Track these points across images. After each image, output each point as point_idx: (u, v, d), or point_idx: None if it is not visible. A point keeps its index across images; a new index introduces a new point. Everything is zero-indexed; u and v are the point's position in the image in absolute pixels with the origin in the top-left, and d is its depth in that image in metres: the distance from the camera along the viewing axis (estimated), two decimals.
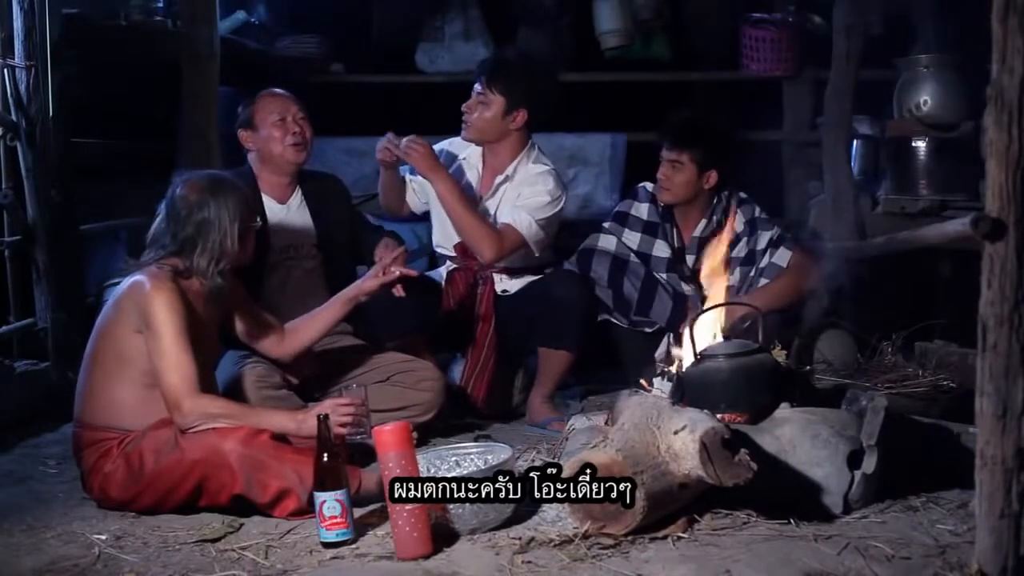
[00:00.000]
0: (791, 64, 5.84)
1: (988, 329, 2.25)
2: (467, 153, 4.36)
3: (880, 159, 5.19)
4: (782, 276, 4.26)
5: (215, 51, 4.59)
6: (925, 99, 4.78)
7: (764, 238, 4.31)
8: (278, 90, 4.04)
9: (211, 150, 4.49)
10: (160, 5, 4.90)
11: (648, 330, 4.30)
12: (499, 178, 4.27)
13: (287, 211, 4.04)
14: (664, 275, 4.36)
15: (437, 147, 4.33)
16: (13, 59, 4.18)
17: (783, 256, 4.28)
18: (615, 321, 4.33)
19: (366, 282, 3.74)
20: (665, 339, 3.95)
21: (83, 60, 4.46)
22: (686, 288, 4.34)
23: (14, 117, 4.23)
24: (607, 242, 4.36)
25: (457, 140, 4.39)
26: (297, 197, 4.07)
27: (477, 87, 4.23)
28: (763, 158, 5.95)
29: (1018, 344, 2.23)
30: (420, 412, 3.85)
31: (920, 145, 4.83)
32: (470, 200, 4.17)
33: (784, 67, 5.84)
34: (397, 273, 3.73)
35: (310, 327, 3.70)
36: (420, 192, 4.37)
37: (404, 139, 4.07)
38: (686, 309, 4.19)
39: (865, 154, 5.30)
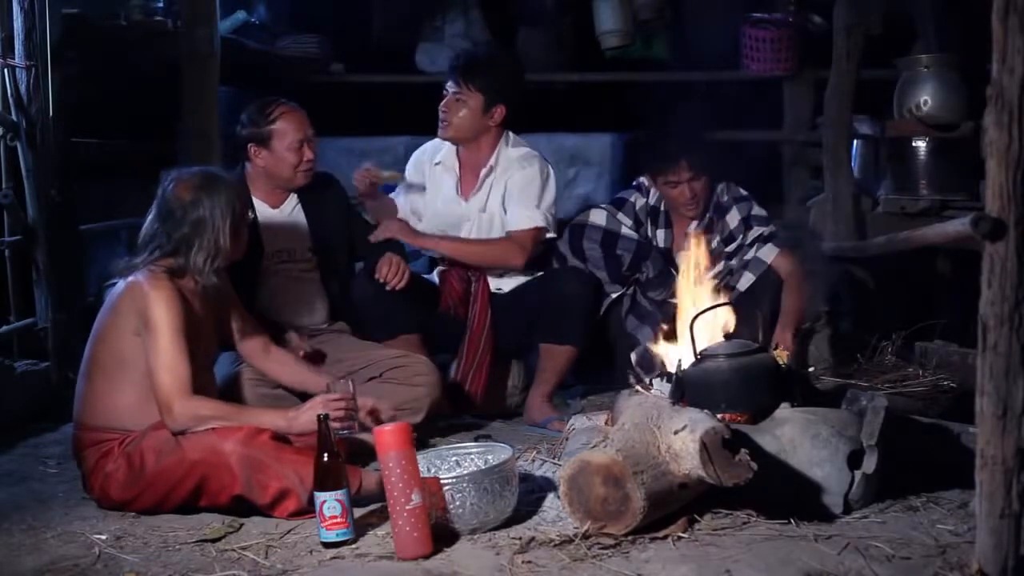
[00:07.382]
0: (791, 64, 5.84)
1: (988, 329, 2.25)
2: (441, 156, 4.36)
3: (880, 159, 5.19)
4: (790, 294, 4.24)
5: (215, 51, 4.59)
6: (925, 99, 4.78)
7: (754, 234, 4.30)
8: (294, 105, 3.97)
9: (211, 150, 4.49)
10: (160, 5, 4.89)
11: (655, 295, 4.29)
12: (483, 171, 4.27)
13: (280, 215, 4.03)
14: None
15: (410, 163, 4.40)
16: (13, 59, 4.18)
17: (769, 252, 4.27)
18: (607, 290, 4.28)
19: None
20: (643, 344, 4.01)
21: (83, 60, 4.46)
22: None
23: (14, 117, 4.23)
24: (598, 216, 4.34)
25: (429, 144, 4.41)
26: (292, 201, 4.05)
27: (452, 86, 4.22)
28: (763, 158, 5.96)
29: (1018, 344, 2.23)
30: (413, 410, 3.78)
31: (920, 145, 4.83)
32: (464, 239, 4.24)
33: (784, 67, 5.84)
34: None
35: (283, 371, 3.62)
36: (409, 212, 4.38)
37: (382, 228, 4.17)
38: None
39: (865, 154, 5.30)
